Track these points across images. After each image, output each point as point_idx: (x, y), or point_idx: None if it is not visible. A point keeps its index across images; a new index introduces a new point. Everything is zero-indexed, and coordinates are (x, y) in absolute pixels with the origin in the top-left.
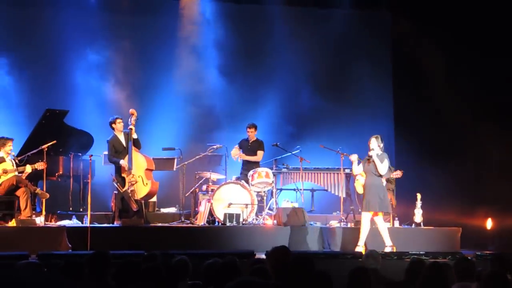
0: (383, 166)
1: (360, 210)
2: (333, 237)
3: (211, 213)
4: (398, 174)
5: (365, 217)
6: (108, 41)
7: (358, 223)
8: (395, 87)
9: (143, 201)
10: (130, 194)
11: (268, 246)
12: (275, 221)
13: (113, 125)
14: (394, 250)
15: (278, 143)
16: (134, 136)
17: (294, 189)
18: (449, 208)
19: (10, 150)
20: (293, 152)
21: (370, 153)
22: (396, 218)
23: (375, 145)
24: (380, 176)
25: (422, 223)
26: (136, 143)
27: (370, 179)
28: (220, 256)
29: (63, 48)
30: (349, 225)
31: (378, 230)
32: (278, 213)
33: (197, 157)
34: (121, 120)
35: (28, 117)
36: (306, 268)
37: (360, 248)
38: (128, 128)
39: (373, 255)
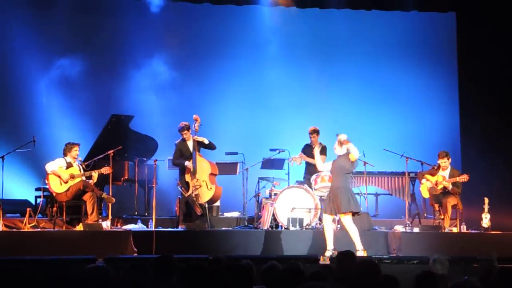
0: (355, 150)
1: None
2: (398, 242)
3: (274, 218)
4: (464, 178)
5: (326, 219)
6: (171, 47)
7: (424, 227)
8: (461, 92)
9: (207, 205)
10: (194, 199)
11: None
12: (338, 226)
13: (181, 133)
14: (365, 255)
15: None
16: (205, 141)
17: (358, 194)
18: None
19: (76, 155)
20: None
21: (338, 150)
22: (463, 223)
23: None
24: (348, 173)
25: (490, 228)
26: (210, 145)
27: (335, 179)
28: (283, 260)
29: (127, 54)
30: (414, 230)
31: (348, 232)
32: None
33: (260, 161)
34: (188, 132)
35: (94, 123)
36: (372, 273)
37: (330, 252)
38: (193, 137)
39: (440, 260)
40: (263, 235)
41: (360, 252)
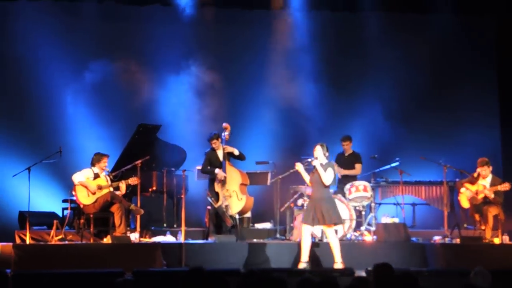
0: (327, 176)
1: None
2: (437, 254)
3: None
4: (506, 186)
5: (305, 230)
6: (199, 54)
7: (464, 239)
8: (502, 98)
9: (237, 217)
10: (224, 210)
11: (368, 263)
12: (374, 237)
13: (211, 142)
14: (343, 267)
15: (376, 155)
16: (235, 152)
17: (394, 204)
18: None
19: (105, 166)
20: (392, 165)
21: (314, 162)
22: (506, 234)
23: (320, 154)
24: (326, 186)
25: None
26: (240, 156)
27: (316, 190)
28: (318, 273)
29: (156, 62)
30: (454, 241)
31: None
32: (378, 229)
33: (292, 170)
34: (217, 141)
35: (122, 132)
36: (411, 286)
37: (304, 264)
38: (223, 147)
39: (482, 273)
40: (296, 247)
41: (339, 264)
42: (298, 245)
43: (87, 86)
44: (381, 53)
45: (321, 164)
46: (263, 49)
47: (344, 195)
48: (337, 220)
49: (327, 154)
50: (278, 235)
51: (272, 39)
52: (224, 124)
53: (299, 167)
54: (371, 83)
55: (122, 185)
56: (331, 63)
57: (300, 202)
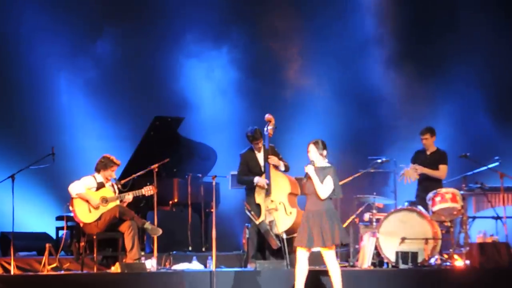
0: (324, 187)
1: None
2: None
3: (377, 252)
4: None
5: (300, 255)
6: (233, 31)
7: None
8: None
9: (285, 236)
10: (268, 227)
11: None
12: (467, 262)
13: (253, 142)
14: None
15: (467, 154)
16: (281, 167)
17: (493, 217)
18: None
19: (110, 175)
20: (490, 166)
21: (307, 168)
22: None
23: (315, 155)
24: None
25: None
26: (286, 169)
27: (312, 203)
28: None
29: (175, 40)
30: None
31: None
32: (472, 251)
33: (356, 175)
34: (260, 141)
35: (132, 128)
36: None
37: None
38: (268, 155)
39: None
40: (363, 275)
41: None
42: (365, 273)
43: (86, 69)
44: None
45: (319, 169)
46: (322, 31)
47: (425, 206)
48: (342, 238)
49: (324, 153)
50: (339, 260)
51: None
52: (267, 116)
53: (309, 169)
54: (470, 67)
55: (129, 196)
56: (402, 51)
57: (367, 216)
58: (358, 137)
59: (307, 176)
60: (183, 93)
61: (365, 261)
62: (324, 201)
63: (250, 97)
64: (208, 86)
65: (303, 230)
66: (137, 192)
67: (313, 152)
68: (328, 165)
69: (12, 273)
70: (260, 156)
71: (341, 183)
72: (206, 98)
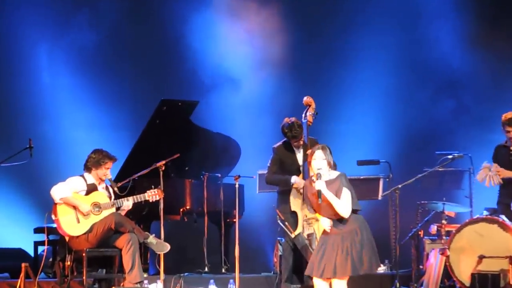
0: (344, 203)
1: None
2: None
3: (447, 274)
4: None
5: (318, 285)
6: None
7: None
8: None
9: None
10: (307, 242)
11: None
12: None
13: (291, 138)
14: None
15: None
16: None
17: None
18: None
19: (105, 175)
20: None
21: (317, 184)
22: None
23: (322, 163)
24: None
25: None
26: None
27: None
28: None
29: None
30: None
31: None
32: None
33: (420, 175)
34: (300, 138)
35: (131, 116)
36: None
37: None
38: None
39: None
40: None
41: None
42: None
43: (74, 39)
44: None
45: (331, 181)
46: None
47: (510, 216)
48: (375, 266)
49: (332, 160)
50: (397, 285)
51: None
52: (306, 98)
53: (321, 186)
54: None
55: (128, 203)
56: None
57: (434, 228)
58: (423, 127)
59: (320, 195)
60: (197, 74)
61: (433, 285)
62: (350, 220)
63: (285, 82)
64: (239, 57)
65: (320, 257)
66: (139, 197)
67: (320, 160)
68: (336, 173)
69: None
70: (298, 153)
71: (400, 186)
72: (235, 73)
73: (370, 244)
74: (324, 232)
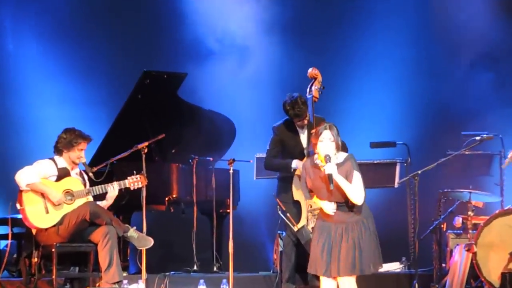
0: (357, 188)
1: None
2: None
3: (474, 273)
4: None
5: (325, 284)
6: None
7: None
8: None
9: None
10: (311, 236)
11: None
12: None
13: (294, 116)
14: None
15: None
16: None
17: None
18: None
19: (79, 158)
20: None
21: (328, 168)
22: None
23: (330, 145)
24: (352, 205)
25: None
26: None
27: (337, 212)
28: None
29: None
30: None
31: None
32: None
33: (443, 159)
34: (305, 117)
35: (110, 91)
36: None
37: None
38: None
39: None
40: None
41: None
42: None
43: (42, 3)
44: None
45: (338, 166)
46: None
47: None
48: (376, 265)
49: (340, 141)
50: (416, 285)
51: None
52: (311, 70)
53: (333, 170)
54: None
55: (114, 191)
56: None
57: (459, 220)
58: (447, 104)
59: (331, 179)
60: (189, 48)
61: (457, 287)
62: (357, 208)
63: (289, 57)
64: (236, 20)
65: (321, 252)
66: (120, 184)
67: (328, 142)
68: (344, 154)
69: None
70: (302, 134)
71: (420, 171)
72: (230, 39)
73: (377, 239)
74: (323, 217)
